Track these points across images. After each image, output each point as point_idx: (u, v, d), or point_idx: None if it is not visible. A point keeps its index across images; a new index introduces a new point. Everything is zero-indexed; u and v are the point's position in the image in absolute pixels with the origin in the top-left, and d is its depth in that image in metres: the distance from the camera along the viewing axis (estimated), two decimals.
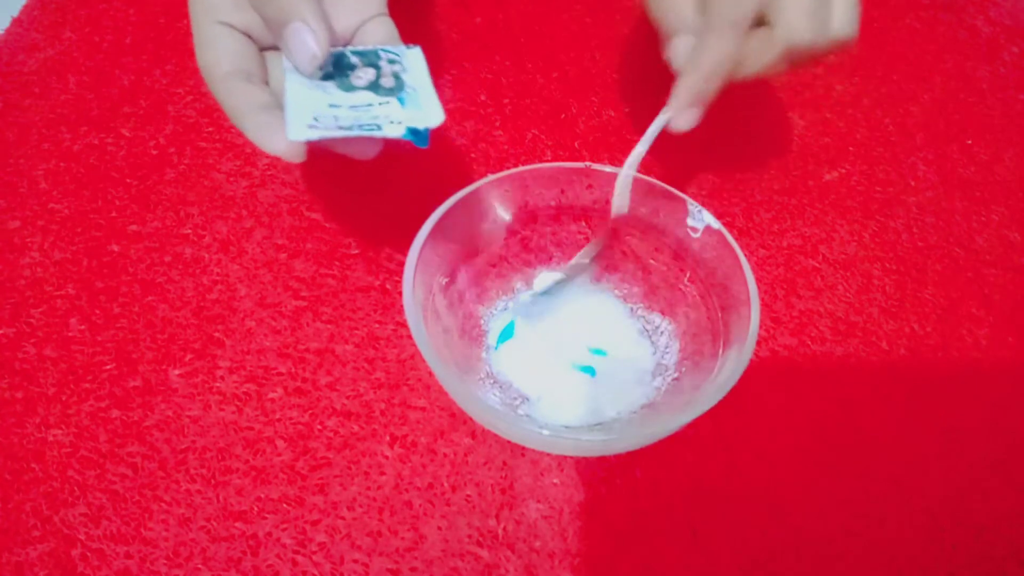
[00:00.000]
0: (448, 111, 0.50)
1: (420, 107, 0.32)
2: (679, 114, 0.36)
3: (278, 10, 0.31)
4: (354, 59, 0.34)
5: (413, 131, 0.31)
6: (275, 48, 0.34)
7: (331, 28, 0.34)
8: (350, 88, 0.33)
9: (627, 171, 0.38)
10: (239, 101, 0.33)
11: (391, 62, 0.34)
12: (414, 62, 0.35)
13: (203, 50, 0.34)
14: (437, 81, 0.52)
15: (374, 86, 0.33)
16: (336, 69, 0.34)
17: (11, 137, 0.48)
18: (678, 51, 0.37)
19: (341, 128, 0.30)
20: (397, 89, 0.33)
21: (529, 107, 0.52)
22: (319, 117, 0.31)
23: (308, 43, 0.31)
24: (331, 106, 0.32)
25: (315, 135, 0.30)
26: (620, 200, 0.38)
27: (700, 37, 0.35)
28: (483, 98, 0.52)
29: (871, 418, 0.39)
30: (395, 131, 0.31)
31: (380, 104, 0.32)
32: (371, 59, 0.34)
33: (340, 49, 0.35)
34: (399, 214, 0.45)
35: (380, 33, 0.37)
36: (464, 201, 0.37)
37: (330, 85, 0.33)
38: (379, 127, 0.31)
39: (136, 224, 0.44)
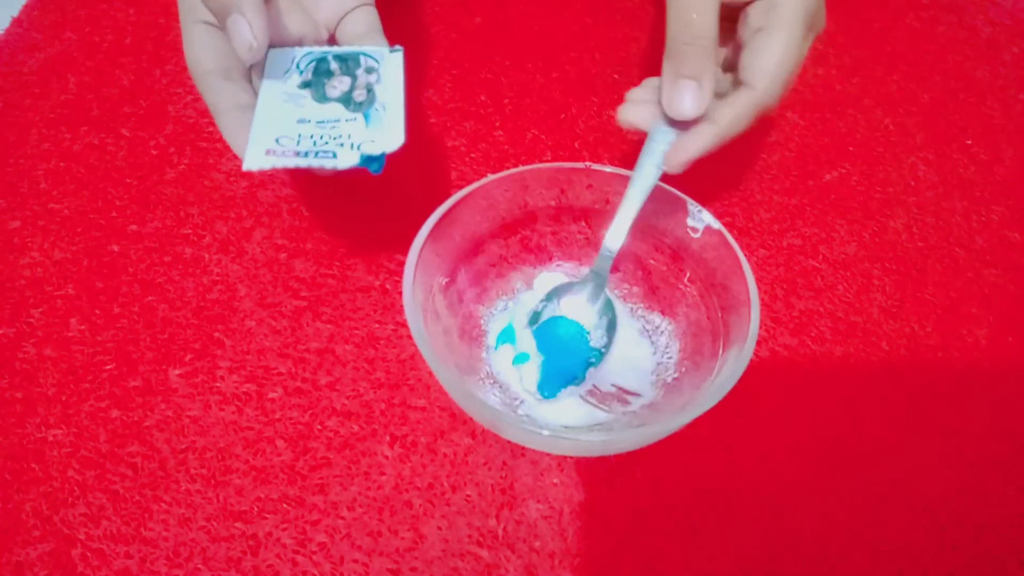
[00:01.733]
0: (448, 111, 0.51)
1: (383, 127, 0.33)
2: (679, 165, 0.35)
3: (220, 4, 0.32)
4: (334, 64, 0.35)
5: (368, 158, 0.32)
6: None
7: (280, 22, 0.35)
8: (323, 99, 0.34)
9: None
10: (218, 99, 0.34)
11: (369, 71, 0.35)
12: (392, 70, 0.35)
13: (187, 48, 0.35)
14: (438, 81, 0.52)
15: (346, 98, 0.34)
16: (315, 75, 0.34)
17: (11, 137, 0.48)
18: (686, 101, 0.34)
19: (298, 154, 0.31)
20: (367, 104, 0.34)
21: (529, 107, 0.52)
22: (281, 138, 0.32)
23: (245, 35, 0.32)
24: (299, 121, 0.33)
25: (269, 164, 0.31)
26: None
27: (740, 92, 0.34)
28: (483, 98, 0.52)
29: (871, 418, 0.39)
30: (349, 160, 0.31)
31: (346, 121, 0.33)
32: (350, 66, 0.35)
33: (323, 51, 0.35)
34: (400, 214, 0.45)
35: (362, 24, 0.37)
36: (464, 201, 0.37)
37: (305, 95, 0.34)
38: (334, 154, 0.31)
39: (136, 224, 0.44)
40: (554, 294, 0.39)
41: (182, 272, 0.42)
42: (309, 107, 0.33)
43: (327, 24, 0.37)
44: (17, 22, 0.55)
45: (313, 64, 0.34)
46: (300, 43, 0.36)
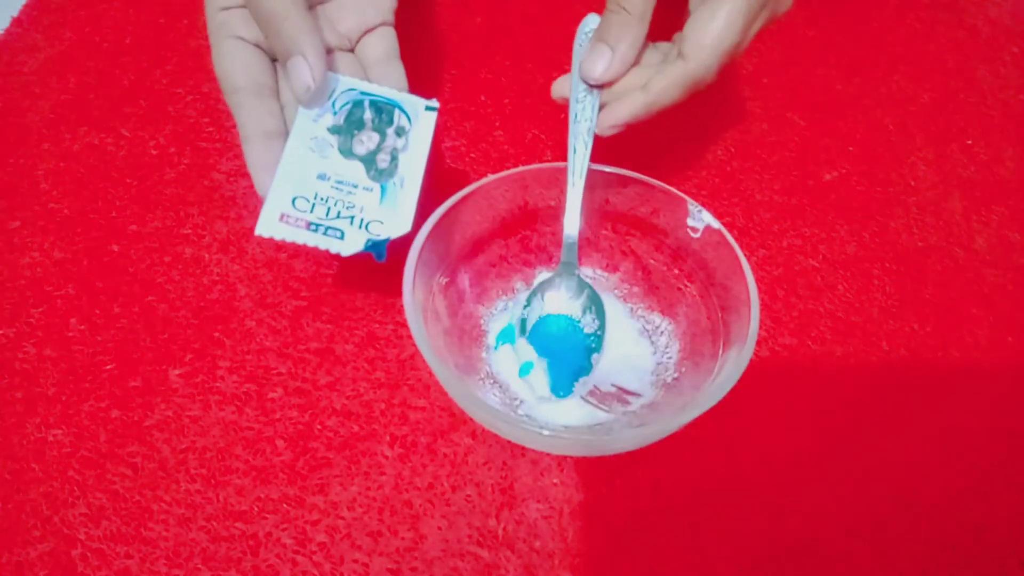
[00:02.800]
0: (448, 111, 0.51)
1: (395, 209, 0.35)
2: (607, 128, 0.36)
3: (283, 44, 0.34)
4: (368, 113, 0.36)
5: (372, 243, 0.34)
6: None
7: (328, 49, 0.36)
8: (348, 153, 0.35)
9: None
10: (246, 120, 0.35)
11: (399, 133, 0.36)
12: (421, 133, 0.36)
13: (217, 63, 0.36)
14: (438, 81, 0.52)
15: (370, 158, 0.35)
16: (347, 121, 0.35)
17: (11, 137, 0.48)
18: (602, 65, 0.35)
19: (309, 226, 0.33)
20: (387, 174, 0.35)
21: (529, 107, 0.52)
22: (298, 199, 0.34)
23: (305, 77, 0.34)
24: (319, 177, 0.34)
25: (279, 235, 0.33)
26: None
27: (674, 64, 0.34)
28: (483, 98, 0.52)
29: (871, 418, 0.39)
30: (354, 246, 0.34)
31: (364, 189, 0.35)
32: (383, 120, 0.36)
33: (361, 94, 0.36)
34: None
35: (381, 48, 0.38)
36: (464, 201, 0.37)
37: (332, 143, 0.35)
38: (342, 235, 0.34)
39: (136, 224, 0.44)
40: (532, 296, 0.39)
41: (182, 272, 0.42)
42: (332, 159, 0.35)
43: (348, 36, 0.38)
44: (17, 22, 0.55)
45: (348, 107, 0.36)
46: (328, 52, 0.36)
